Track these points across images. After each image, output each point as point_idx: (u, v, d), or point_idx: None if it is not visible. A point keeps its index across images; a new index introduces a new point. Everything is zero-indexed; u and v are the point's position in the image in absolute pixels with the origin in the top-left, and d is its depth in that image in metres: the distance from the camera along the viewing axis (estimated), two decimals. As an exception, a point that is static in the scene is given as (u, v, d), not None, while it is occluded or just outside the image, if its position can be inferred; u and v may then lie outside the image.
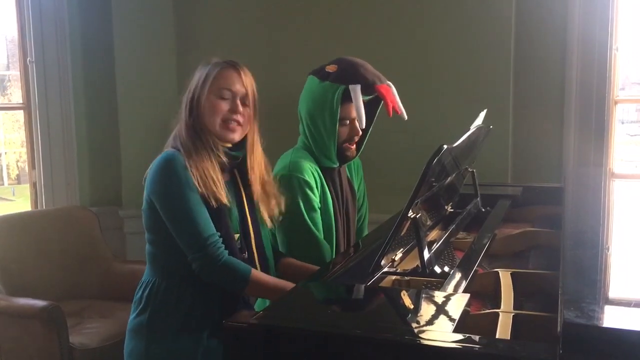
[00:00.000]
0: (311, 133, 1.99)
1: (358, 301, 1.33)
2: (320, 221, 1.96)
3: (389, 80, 1.99)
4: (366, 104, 2.00)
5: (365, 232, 2.24)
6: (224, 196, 1.62)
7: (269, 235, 1.82)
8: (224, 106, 1.66)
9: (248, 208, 1.74)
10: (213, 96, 1.66)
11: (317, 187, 1.95)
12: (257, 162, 1.77)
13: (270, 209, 1.78)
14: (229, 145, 1.70)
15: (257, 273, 1.62)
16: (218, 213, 1.62)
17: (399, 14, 3.13)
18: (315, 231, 1.92)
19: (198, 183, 1.58)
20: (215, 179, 1.62)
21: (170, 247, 1.61)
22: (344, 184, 2.09)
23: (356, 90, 1.90)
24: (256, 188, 1.76)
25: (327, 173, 2.02)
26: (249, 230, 1.73)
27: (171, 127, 1.74)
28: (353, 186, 2.15)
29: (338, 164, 2.03)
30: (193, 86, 1.69)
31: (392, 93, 1.95)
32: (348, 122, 1.98)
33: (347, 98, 1.92)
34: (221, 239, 1.61)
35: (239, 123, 1.68)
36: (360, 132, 2.01)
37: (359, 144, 2.08)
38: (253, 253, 1.72)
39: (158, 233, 1.64)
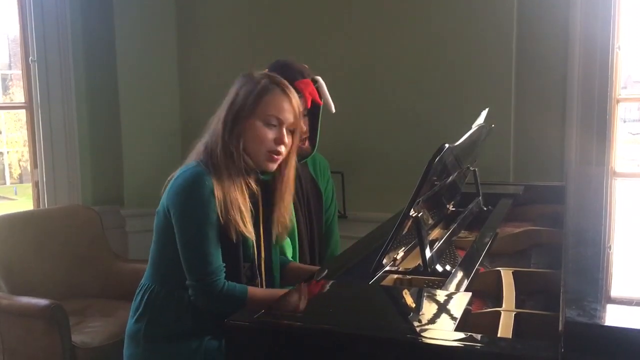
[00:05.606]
0: None
1: (359, 300, 1.33)
2: None
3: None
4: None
5: (335, 231, 2.25)
6: (246, 231, 1.56)
7: (278, 255, 1.80)
8: (270, 135, 1.58)
9: (264, 234, 1.68)
10: (259, 122, 1.57)
11: None
12: (289, 190, 1.71)
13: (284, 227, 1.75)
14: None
15: (252, 291, 1.56)
16: (235, 244, 1.57)
17: (400, 13, 3.13)
18: None
19: (221, 211, 1.51)
20: (244, 211, 1.56)
21: (174, 256, 1.56)
22: (305, 183, 2.08)
23: None
24: (279, 216, 1.70)
25: None
26: (260, 259, 1.68)
27: (198, 130, 1.66)
28: (318, 186, 2.15)
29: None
30: (238, 103, 1.59)
31: (313, 86, 1.94)
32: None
33: None
34: (224, 269, 1.55)
35: (281, 154, 1.61)
36: (305, 129, 1.97)
37: (312, 140, 2.06)
38: (262, 277, 1.69)
39: (165, 239, 1.59)
